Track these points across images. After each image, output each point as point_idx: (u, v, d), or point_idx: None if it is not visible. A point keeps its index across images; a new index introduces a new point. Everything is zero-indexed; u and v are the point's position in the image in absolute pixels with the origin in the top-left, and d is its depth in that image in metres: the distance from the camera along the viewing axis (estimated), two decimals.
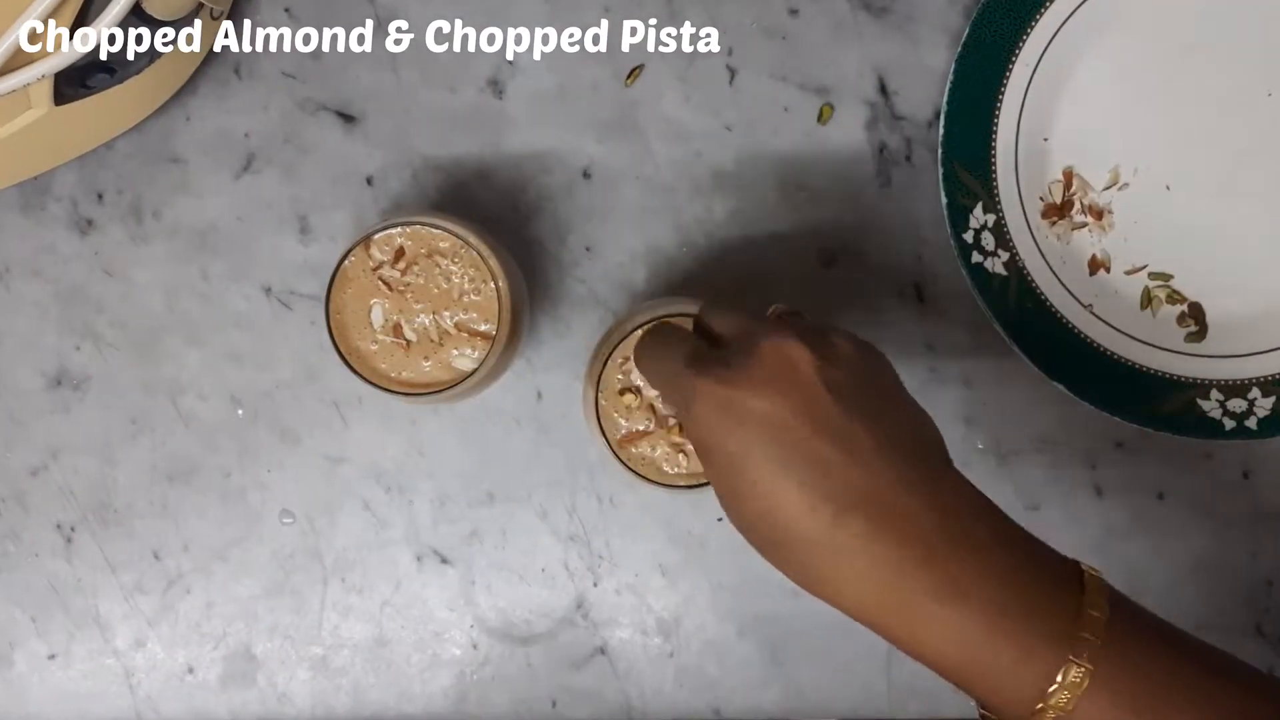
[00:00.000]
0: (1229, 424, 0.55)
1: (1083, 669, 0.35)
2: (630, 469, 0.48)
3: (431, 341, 0.49)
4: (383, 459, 0.57)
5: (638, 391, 0.48)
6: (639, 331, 0.48)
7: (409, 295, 0.49)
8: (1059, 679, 0.35)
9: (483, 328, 0.49)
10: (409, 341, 0.49)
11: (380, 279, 0.49)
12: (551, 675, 0.58)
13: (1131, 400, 0.55)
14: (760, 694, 0.57)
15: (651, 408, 0.48)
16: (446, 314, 0.49)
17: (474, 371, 0.48)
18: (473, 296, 0.49)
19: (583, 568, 0.57)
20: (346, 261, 0.48)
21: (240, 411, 0.57)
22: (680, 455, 0.48)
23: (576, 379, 0.57)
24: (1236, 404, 0.55)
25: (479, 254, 0.49)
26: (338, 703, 0.58)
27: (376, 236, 0.49)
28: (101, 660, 0.58)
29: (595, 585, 0.57)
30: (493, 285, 0.49)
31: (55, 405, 0.58)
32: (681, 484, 0.48)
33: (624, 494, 0.57)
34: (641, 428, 0.48)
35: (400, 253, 0.49)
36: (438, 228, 0.49)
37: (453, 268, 0.49)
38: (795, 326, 0.39)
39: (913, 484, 0.37)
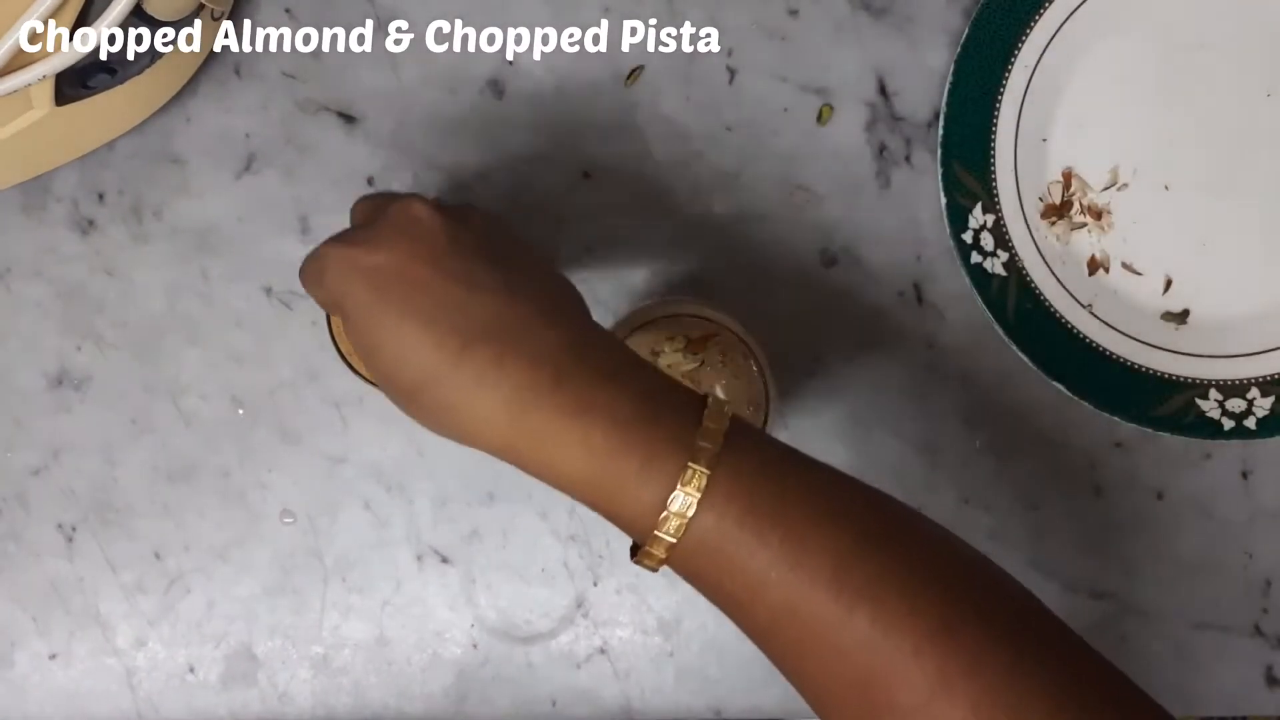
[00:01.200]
0: (1228, 424, 0.55)
1: (700, 471, 0.35)
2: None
3: None
4: (383, 459, 0.57)
5: None
6: (640, 331, 0.48)
7: None
8: (679, 486, 0.35)
9: None
10: None
11: None
12: (552, 675, 0.58)
13: (1131, 400, 0.55)
14: (760, 694, 0.58)
15: None
16: None
17: None
18: None
19: (583, 567, 0.58)
20: None
21: (241, 411, 0.57)
22: None
23: None
24: (1235, 404, 0.55)
25: None
26: (338, 702, 0.58)
27: None
28: (102, 660, 0.58)
29: (595, 585, 0.58)
30: None
31: (56, 405, 0.58)
32: None
33: None
34: None
35: None
36: None
37: None
38: (429, 198, 0.39)
39: (544, 317, 0.37)
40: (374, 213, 0.40)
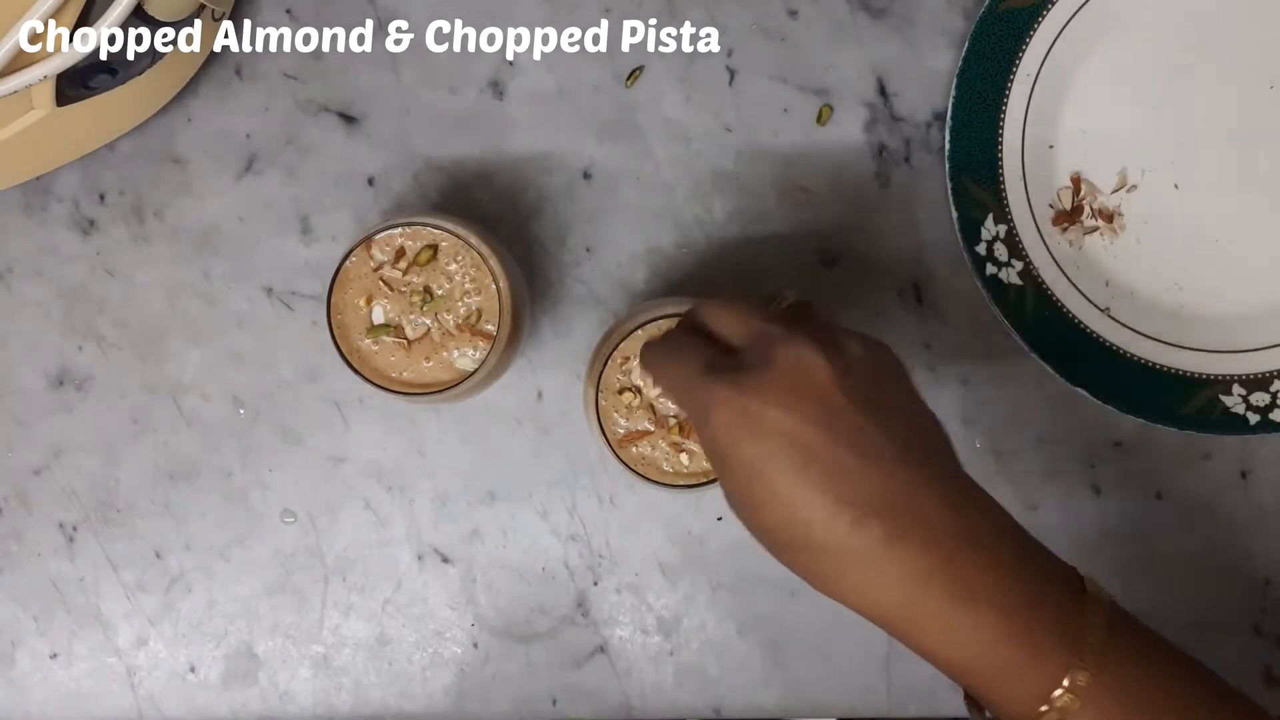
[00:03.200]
0: (1253, 418, 0.55)
1: (1087, 672, 0.36)
2: (630, 468, 0.48)
3: (432, 341, 0.49)
4: (384, 458, 0.58)
5: (638, 391, 0.49)
6: (639, 331, 0.48)
7: (410, 295, 0.49)
8: (1065, 682, 0.36)
9: (484, 327, 0.49)
10: (410, 341, 0.49)
11: (381, 279, 0.49)
12: (552, 674, 0.58)
13: (1154, 401, 0.55)
14: (760, 693, 0.58)
15: (651, 407, 0.48)
16: (447, 314, 0.49)
17: (475, 371, 0.49)
18: (474, 296, 0.49)
19: (583, 567, 0.58)
20: (348, 261, 0.49)
21: (242, 411, 0.58)
22: (680, 454, 0.48)
23: (577, 379, 0.57)
24: (1259, 398, 0.55)
25: (479, 254, 0.49)
26: (339, 701, 0.58)
27: (378, 237, 0.49)
28: (103, 659, 0.58)
29: (595, 584, 0.58)
30: (494, 285, 0.49)
31: (58, 405, 0.58)
32: (680, 483, 0.48)
33: (624, 493, 0.57)
34: (641, 427, 0.49)
35: (401, 253, 0.49)
36: (439, 228, 0.49)
37: (454, 268, 0.49)
38: (807, 329, 0.39)
39: (928, 487, 0.37)
40: (753, 343, 0.40)
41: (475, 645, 0.58)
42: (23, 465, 0.58)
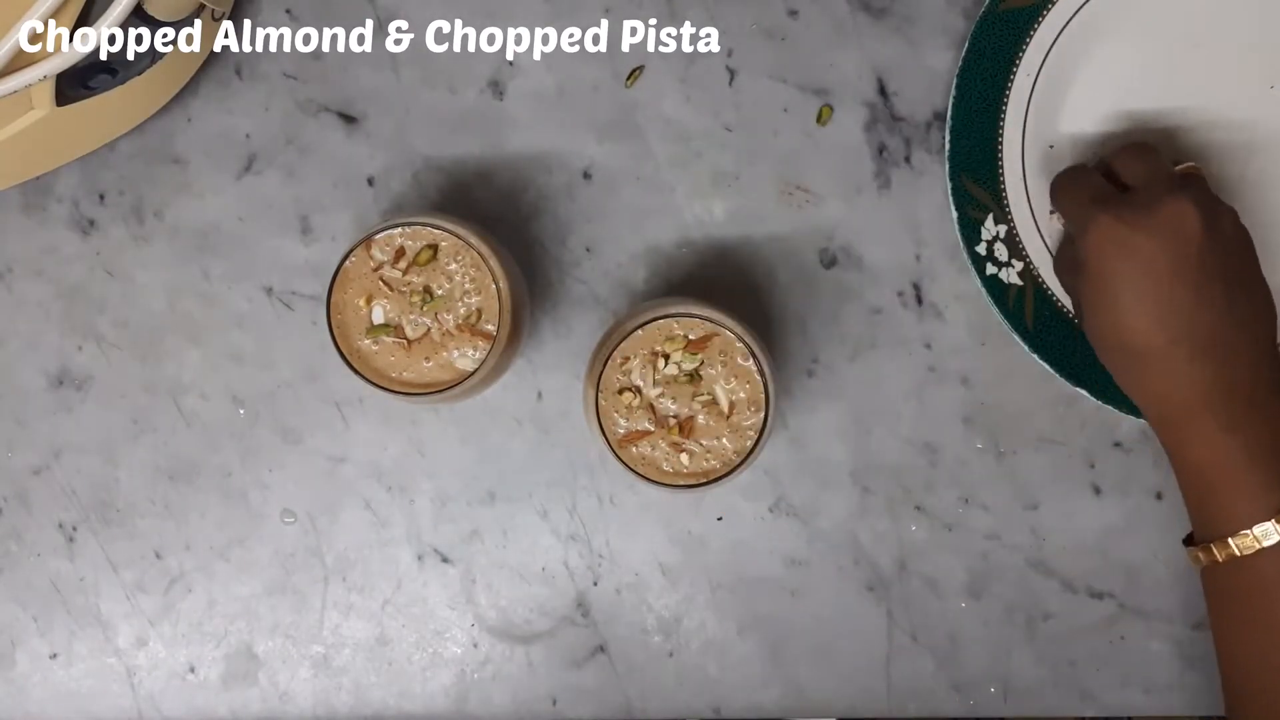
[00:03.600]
0: None
1: None
2: (630, 468, 0.48)
3: (432, 341, 0.49)
4: (383, 459, 0.57)
5: (637, 391, 0.48)
6: (639, 332, 0.48)
7: (410, 295, 0.49)
8: (1273, 519, 0.46)
9: (484, 327, 0.49)
10: (410, 341, 0.49)
11: (381, 279, 0.49)
12: (552, 674, 0.58)
13: None
14: (760, 693, 0.58)
15: (651, 407, 0.48)
16: (447, 314, 0.49)
17: (475, 371, 0.49)
18: (473, 296, 0.49)
19: (583, 567, 0.58)
20: (348, 261, 0.48)
21: (242, 411, 0.58)
22: (680, 454, 0.48)
23: (576, 379, 0.57)
24: None
25: (479, 254, 0.49)
26: (339, 701, 0.58)
27: (378, 237, 0.49)
28: (103, 659, 0.58)
29: (595, 584, 0.58)
30: (493, 285, 0.49)
31: (57, 405, 0.58)
32: (680, 483, 0.48)
33: (624, 494, 0.57)
34: (641, 427, 0.49)
35: (401, 253, 0.49)
36: (438, 228, 0.49)
37: (454, 268, 0.49)
38: (1194, 191, 0.48)
39: (1238, 330, 0.47)
40: (1148, 182, 0.49)
41: (475, 645, 0.58)
42: (23, 465, 0.58)
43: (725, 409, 0.48)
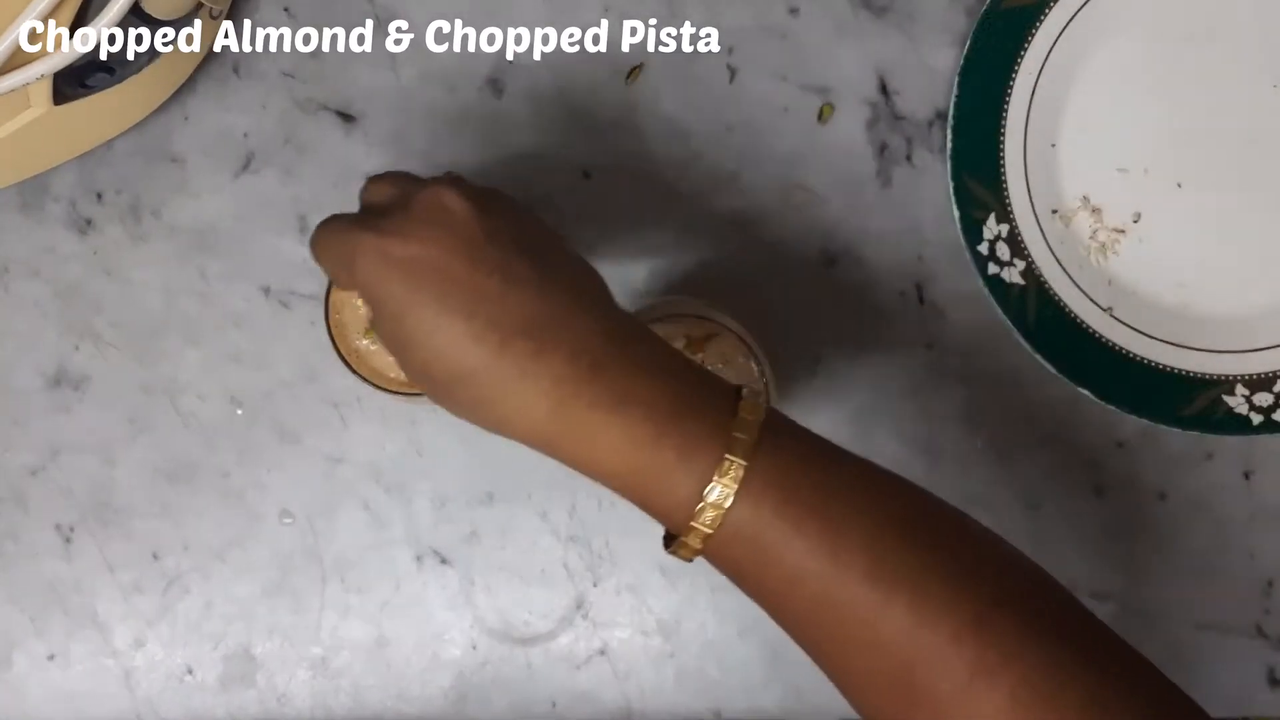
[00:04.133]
0: (1256, 419, 0.55)
1: (737, 463, 0.35)
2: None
3: None
4: (382, 459, 0.57)
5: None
6: None
7: None
8: (715, 478, 0.36)
9: None
10: None
11: None
12: (551, 676, 0.57)
13: (1158, 401, 0.55)
14: (760, 695, 0.57)
15: None
16: None
17: None
18: None
19: (582, 568, 0.57)
20: None
21: (239, 411, 0.57)
22: None
23: None
24: (1263, 398, 0.55)
25: None
26: (337, 703, 0.58)
27: None
28: (100, 660, 0.58)
29: (595, 585, 0.57)
30: None
31: (54, 405, 0.57)
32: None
33: None
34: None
35: None
36: None
37: None
38: (451, 179, 0.39)
39: (578, 307, 0.37)
40: (399, 196, 0.40)
41: (474, 647, 0.58)
42: (19, 466, 0.58)
43: None
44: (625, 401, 0.36)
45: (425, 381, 0.38)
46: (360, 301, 0.48)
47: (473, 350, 0.36)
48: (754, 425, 0.36)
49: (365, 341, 0.49)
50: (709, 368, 0.48)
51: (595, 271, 0.40)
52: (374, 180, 0.42)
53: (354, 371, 0.48)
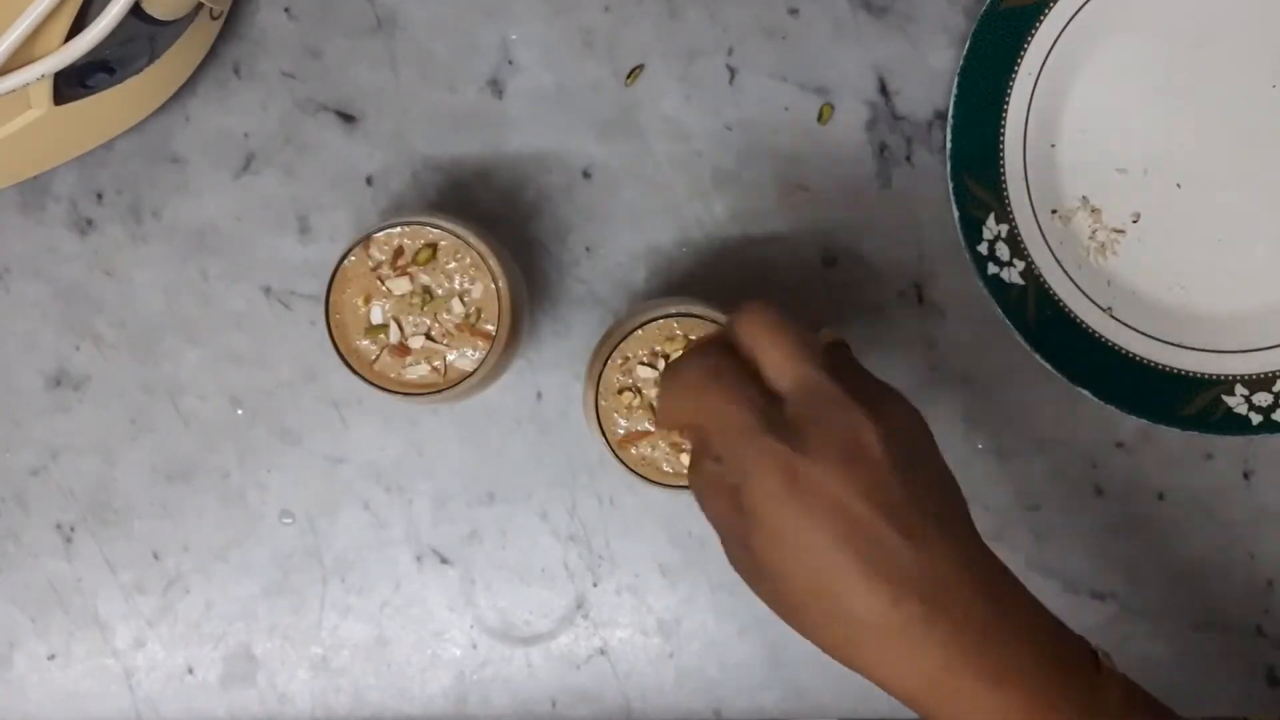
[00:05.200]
0: (1256, 419, 0.55)
1: None
2: (630, 469, 0.48)
3: (431, 342, 0.49)
4: (382, 459, 0.57)
5: (637, 391, 0.48)
6: (640, 332, 0.48)
7: (409, 295, 0.49)
8: None
9: (483, 328, 0.49)
10: (408, 341, 0.49)
11: (379, 279, 0.49)
12: (551, 675, 0.58)
13: (1157, 401, 0.55)
14: (761, 695, 0.57)
15: (651, 408, 0.48)
16: (446, 314, 0.49)
17: (474, 371, 0.48)
18: (473, 296, 0.49)
19: (583, 568, 0.57)
20: (346, 261, 0.48)
21: (240, 412, 0.57)
22: (681, 454, 0.48)
23: (576, 379, 0.57)
24: (1262, 398, 0.55)
25: (479, 254, 0.49)
26: (337, 703, 0.58)
27: (377, 236, 0.48)
28: (101, 660, 0.58)
29: (595, 585, 0.57)
30: (493, 285, 0.49)
31: (55, 405, 0.57)
32: (681, 484, 0.48)
33: (624, 494, 0.57)
34: (641, 428, 0.48)
35: (400, 252, 0.49)
36: (438, 227, 0.48)
37: (453, 267, 0.49)
38: (855, 388, 0.38)
39: (962, 565, 0.37)
40: (802, 391, 0.38)
41: (474, 647, 0.58)
42: (20, 466, 0.58)
43: None
44: (1004, 676, 0.36)
45: (788, 609, 0.38)
46: (362, 301, 0.49)
47: (863, 599, 0.36)
48: (1117, 703, 0.38)
49: (365, 341, 0.49)
50: None
51: (959, 488, 0.40)
52: (756, 333, 0.40)
53: (354, 372, 0.48)
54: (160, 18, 0.49)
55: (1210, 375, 0.55)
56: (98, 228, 0.57)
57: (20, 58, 0.46)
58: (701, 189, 0.57)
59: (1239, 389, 0.55)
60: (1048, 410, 0.57)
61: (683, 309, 0.48)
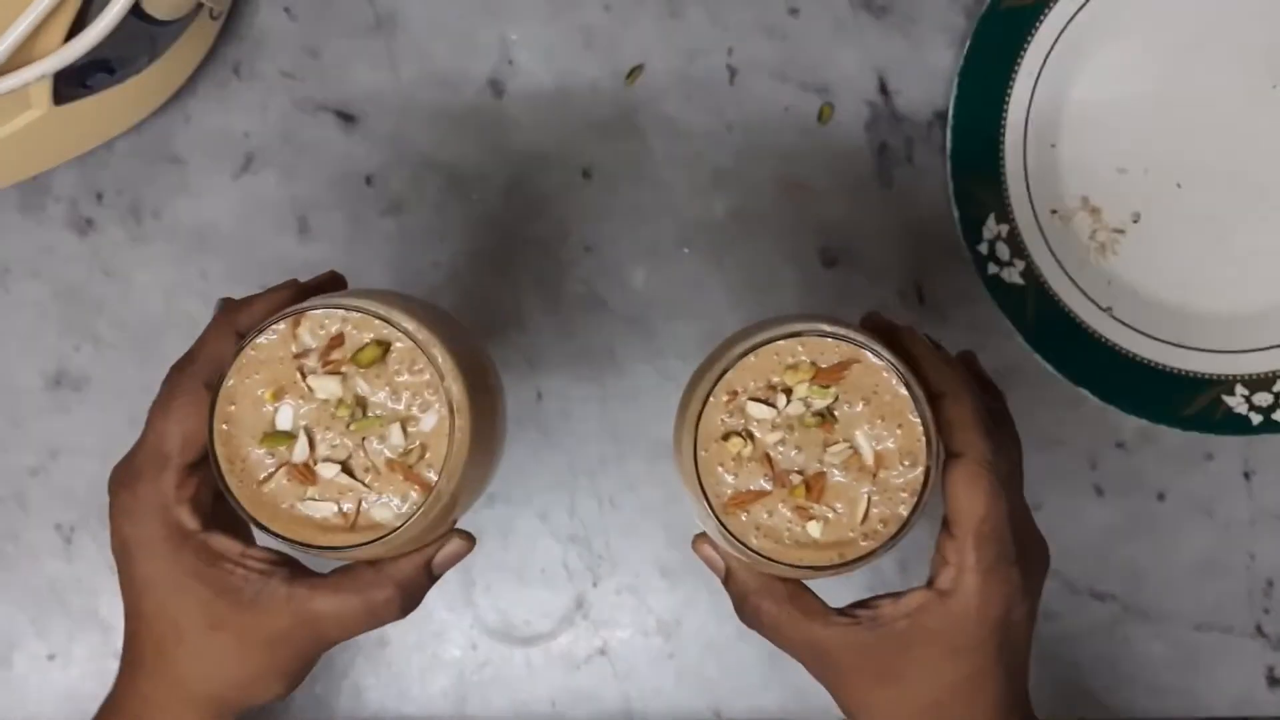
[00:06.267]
0: (1256, 419, 0.55)
1: None
2: (740, 541, 0.37)
3: (348, 475, 0.37)
4: None
5: (749, 436, 0.37)
6: (752, 357, 0.37)
7: (334, 403, 0.37)
8: None
9: (422, 473, 0.37)
10: (316, 464, 0.37)
11: (301, 371, 0.37)
12: (551, 676, 0.57)
13: (1157, 401, 0.55)
14: (760, 695, 0.57)
15: (768, 458, 0.37)
16: (378, 442, 0.37)
17: (391, 531, 0.36)
18: (420, 428, 0.37)
19: (582, 568, 0.57)
20: (262, 338, 0.37)
21: None
22: (809, 522, 0.37)
23: (577, 379, 0.57)
24: (1262, 398, 0.55)
25: (440, 373, 0.36)
26: (337, 704, 0.58)
27: (313, 313, 0.36)
28: (101, 661, 0.58)
29: (595, 586, 0.57)
30: (448, 421, 0.36)
31: (55, 405, 0.57)
32: (810, 565, 0.37)
33: (624, 495, 0.57)
34: (756, 486, 0.38)
35: (337, 341, 0.37)
36: (397, 326, 0.36)
37: (404, 380, 0.37)
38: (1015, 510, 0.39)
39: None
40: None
41: (474, 647, 0.58)
42: (19, 466, 0.58)
43: (870, 462, 0.37)
44: None
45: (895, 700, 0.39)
46: (270, 395, 0.37)
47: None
48: None
49: (260, 450, 0.37)
50: (846, 406, 0.37)
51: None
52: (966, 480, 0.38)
53: (226, 490, 0.36)
54: (160, 18, 0.49)
55: (1210, 375, 0.55)
56: (98, 228, 0.57)
57: (20, 58, 0.46)
58: (701, 189, 0.57)
59: (1239, 389, 0.55)
60: (1048, 410, 0.57)
61: (809, 326, 0.38)
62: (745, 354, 0.37)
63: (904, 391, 0.37)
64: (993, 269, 0.55)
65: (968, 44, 0.54)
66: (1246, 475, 0.57)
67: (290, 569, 0.38)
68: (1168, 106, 0.56)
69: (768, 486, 0.37)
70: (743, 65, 0.57)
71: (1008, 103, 0.55)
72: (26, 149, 0.52)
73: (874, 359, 0.37)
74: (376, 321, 0.36)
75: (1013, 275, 0.55)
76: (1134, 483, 0.57)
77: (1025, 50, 0.54)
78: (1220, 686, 0.57)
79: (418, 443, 0.37)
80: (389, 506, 0.37)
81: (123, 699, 0.40)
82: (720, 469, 0.37)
